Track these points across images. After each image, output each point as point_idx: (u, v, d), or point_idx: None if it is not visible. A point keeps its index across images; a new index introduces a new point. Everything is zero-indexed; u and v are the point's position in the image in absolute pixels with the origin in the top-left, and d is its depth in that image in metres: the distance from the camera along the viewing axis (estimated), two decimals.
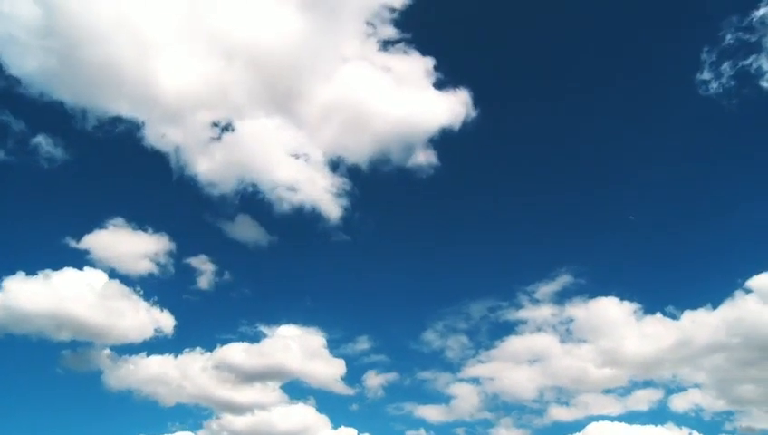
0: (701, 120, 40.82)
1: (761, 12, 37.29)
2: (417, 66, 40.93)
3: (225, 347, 39.93)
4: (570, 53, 42.72)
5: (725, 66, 38.37)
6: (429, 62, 40.91)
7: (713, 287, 39.60)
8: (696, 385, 40.45)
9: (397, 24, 40.35)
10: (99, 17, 34.69)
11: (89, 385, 38.57)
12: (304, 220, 41.08)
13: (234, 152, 40.02)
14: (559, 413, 40.78)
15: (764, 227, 39.18)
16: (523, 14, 42.54)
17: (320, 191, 40.98)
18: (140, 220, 39.18)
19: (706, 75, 38.71)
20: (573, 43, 42.43)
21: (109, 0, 35.06)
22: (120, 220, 38.84)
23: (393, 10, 39.82)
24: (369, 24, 40.20)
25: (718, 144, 41.32)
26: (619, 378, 40.93)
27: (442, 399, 41.47)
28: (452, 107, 41.10)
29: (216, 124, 39.38)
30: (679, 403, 40.04)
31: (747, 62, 38.08)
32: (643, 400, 40.49)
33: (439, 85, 41.15)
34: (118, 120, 37.66)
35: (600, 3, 41.91)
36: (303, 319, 41.45)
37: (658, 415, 39.46)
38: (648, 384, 40.50)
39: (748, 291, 38.20)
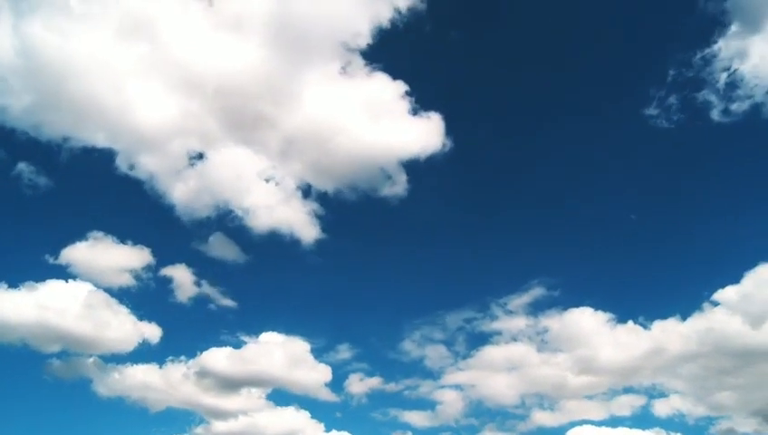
0: (659, 145, 42.93)
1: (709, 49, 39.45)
2: (388, 92, 41.82)
3: (210, 355, 40.57)
4: (536, 86, 44.76)
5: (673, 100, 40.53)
6: (401, 87, 41.74)
7: (681, 299, 40.92)
8: (676, 392, 41.50)
9: (367, 50, 41.02)
10: (74, 55, 36.36)
11: (77, 393, 39.42)
12: (279, 242, 42.00)
13: (207, 179, 41.23)
14: (542, 418, 41.71)
15: (728, 242, 41.35)
16: (490, 48, 44.59)
17: (293, 215, 42.08)
18: (120, 234, 40.04)
19: (654, 111, 40.92)
20: (538, 77, 44.49)
21: (83, 39, 36.57)
22: (99, 234, 39.62)
23: (363, 37, 40.52)
24: (338, 51, 40.86)
25: (686, 163, 43.23)
26: (597, 385, 41.89)
27: (427, 405, 42.33)
28: (423, 132, 42.13)
29: (189, 153, 40.63)
30: (661, 408, 41.01)
31: (695, 96, 40.44)
32: (625, 405, 41.37)
33: (410, 111, 41.99)
34: (94, 149, 39.10)
35: (563, 41, 43.64)
36: (286, 328, 42.14)
37: (642, 420, 40.44)
38: (628, 391, 41.48)
39: (716, 303, 39.53)
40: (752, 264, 38.46)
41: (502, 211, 46.15)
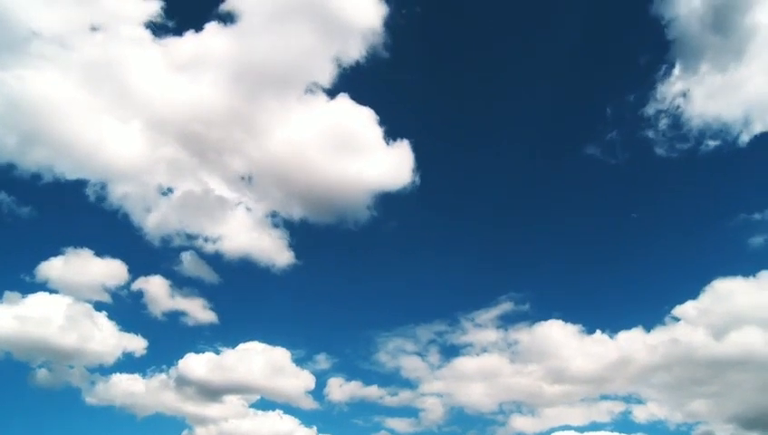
0: (614, 175, 45.76)
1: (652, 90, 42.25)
2: (354, 122, 43.12)
3: (192, 364, 41.39)
4: (495, 118, 47.27)
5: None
6: (368, 116, 43.00)
7: (644, 312, 42.55)
8: (652, 400, 42.36)
9: (332, 82, 42.46)
10: (54, 99, 38.36)
11: (65, 402, 40.26)
12: (252, 266, 43.35)
13: (177, 208, 42.59)
14: (522, 424, 42.62)
15: (685, 261, 43.94)
16: (451, 85, 46.98)
17: (264, 241, 43.64)
18: (96, 250, 41.09)
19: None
20: (497, 110, 47.17)
21: (56, 82, 38.47)
22: (75, 250, 40.70)
23: (327, 70, 42.06)
24: (302, 84, 42.23)
25: (640, 192, 45.97)
26: (573, 393, 42.86)
27: (409, 412, 43.38)
28: (391, 159, 43.52)
29: (159, 184, 42.10)
30: (641, 415, 41.79)
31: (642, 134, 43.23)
32: (604, 412, 42.27)
33: (378, 139, 43.29)
34: (68, 181, 40.49)
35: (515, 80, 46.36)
36: (266, 338, 42.99)
37: (623, 426, 41.40)
38: (605, 398, 42.43)
39: (676, 318, 41.03)
40: (708, 279, 40.29)
41: (469, 231, 48.09)
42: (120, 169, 40.79)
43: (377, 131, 42.95)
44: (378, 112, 42.75)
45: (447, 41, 46.46)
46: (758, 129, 40.30)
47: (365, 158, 43.35)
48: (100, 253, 40.87)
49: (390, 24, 42.28)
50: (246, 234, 43.42)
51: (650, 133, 42.79)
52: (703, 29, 40.74)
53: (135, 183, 41.59)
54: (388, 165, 43.46)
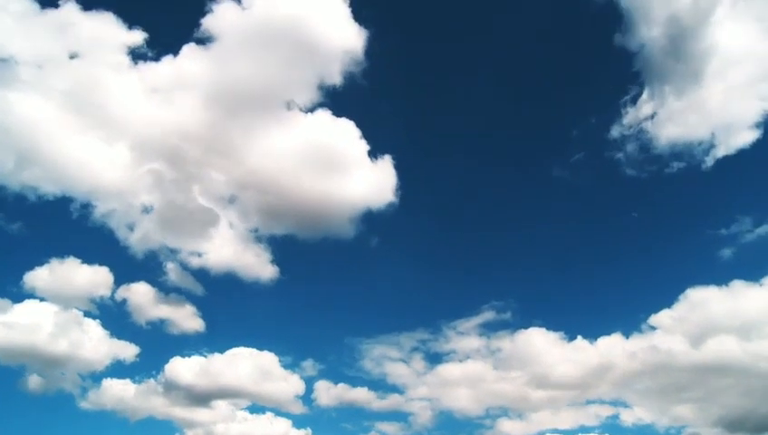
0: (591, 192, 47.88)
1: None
2: (340, 138, 43.85)
3: (181, 369, 42.07)
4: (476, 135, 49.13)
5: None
6: (350, 134, 43.74)
7: (622, 322, 43.41)
8: (637, 405, 42.84)
9: (319, 99, 43.29)
10: (38, 122, 39.45)
11: (58, 407, 41.06)
12: (236, 280, 44.12)
13: (159, 225, 43.09)
14: (510, 427, 43.34)
15: (659, 271, 45.05)
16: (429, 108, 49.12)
17: (247, 257, 44.51)
18: (84, 258, 41.79)
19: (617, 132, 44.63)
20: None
21: (42, 108, 39.61)
22: (64, 258, 41.39)
23: (308, 90, 42.94)
24: (282, 103, 42.97)
25: (610, 208, 47.91)
26: (560, 398, 43.49)
27: (398, 417, 43.96)
28: (372, 175, 44.43)
29: (142, 201, 42.57)
30: (628, 419, 42.30)
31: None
32: (592, 416, 42.80)
33: (360, 157, 44.14)
34: (54, 198, 41.29)
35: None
36: (254, 344, 43.72)
37: (612, 429, 42.20)
38: (591, 402, 43.04)
39: (653, 327, 41.83)
40: (682, 288, 41.24)
41: (450, 244, 49.78)
42: (104, 188, 41.65)
43: (359, 148, 43.89)
44: (360, 129, 43.78)
45: (425, 65, 48.66)
46: (721, 151, 41.98)
47: (348, 174, 44.24)
48: (87, 261, 41.70)
49: (370, 46, 43.35)
50: (230, 250, 44.28)
51: (619, 155, 44.99)
52: (665, 55, 42.58)
53: (118, 201, 42.37)
54: (372, 181, 44.43)
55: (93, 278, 41.18)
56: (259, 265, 44.54)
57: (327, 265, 48.18)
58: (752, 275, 39.90)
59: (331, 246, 45.86)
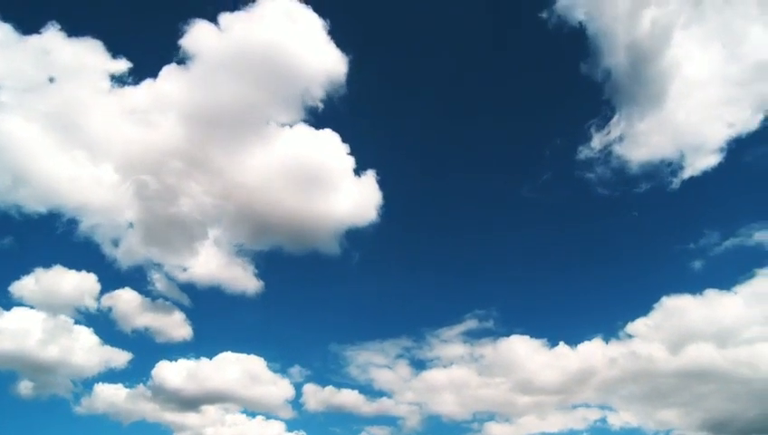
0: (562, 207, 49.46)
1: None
2: (322, 155, 44.58)
3: (171, 374, 42.63)
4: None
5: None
6: (337, 149, 44.51)
7: (601, 328, 44.17)
8: (622, 409, 43.37)
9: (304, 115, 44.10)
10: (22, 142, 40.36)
11: (53, 412, 41.90)
12: (222, 294, 45.01)
13: (142, 243, 43.75)
14: (498, 431, 44.06)
15: (635, 281, 46.81)
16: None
17: (232, 271, 45.21)
18: (71, 265, 42.56)
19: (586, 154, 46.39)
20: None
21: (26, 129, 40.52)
22: (52, 267, 42.09)
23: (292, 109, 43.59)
24: (264, 121, 43.70)
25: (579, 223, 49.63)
26: (546, 403, 44.17)
27: (387, 421, 44.68)
28: (356, 190, 45.31)
29: (125, 219, 43.18)
30: (615, 423, 42.84)
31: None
32: (579, 419, 43.47)
33: (345, 172, 44.93)
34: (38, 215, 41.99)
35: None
36: (242, 350, 44.59)
37: (600, 433, 42.82)
38: (576, 407, 43.68)
39: (630, 335, 42.73)
40: (658, 296, 42.31)
41: (432, 256, 51.39)
42: (90, 206, 42.40)
43: (343, 164, 44.75)
44: (344, 145, 44.77)
45: (402, 89, 51.29)
46: (688, 172, 43.68)
47: (332, 190, 44.85)
48: (75, 268, 42.39)
49: (349, 67, 44.20)
50: (215, 265, 45.03)
51: (590, 175, 46.59)
52: (629, 80, 44.19)
53: (104, 218, 42.97)
54: (356, 196, 45.36)
55: (81, 286, 41.89)
56: (244, 279, 45.35)
57: (311, 278, 49.37)
58: (723, 284, 41.35)
59: (315, 261, 46.94)
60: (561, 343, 43.47)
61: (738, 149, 42.61)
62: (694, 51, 43.02)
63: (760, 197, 43.94)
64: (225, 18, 42.01)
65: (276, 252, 46.23)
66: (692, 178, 43.37)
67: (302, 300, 49.45)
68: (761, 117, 41.90)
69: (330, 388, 45.12)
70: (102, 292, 42.66)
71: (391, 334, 47.55)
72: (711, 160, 42.99)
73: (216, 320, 47.19)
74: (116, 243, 43.35)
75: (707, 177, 43.12)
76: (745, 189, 44.55)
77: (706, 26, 43.20)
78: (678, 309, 41.12)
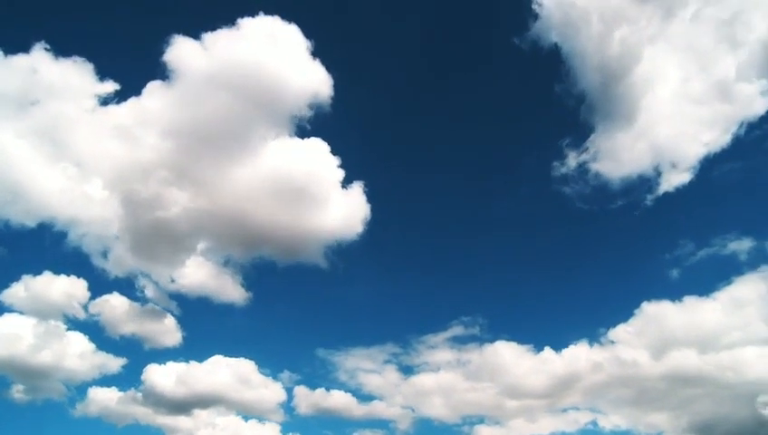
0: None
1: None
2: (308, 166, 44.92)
3: (164, 378, 43.06)
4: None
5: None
6: (325, 162, 45.02)
7: (585, 334, 45.01)
8: (611, 413, 43.92)
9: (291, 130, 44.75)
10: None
11: (49, 416, 42.72)
12: (210, 304, 46.00)
13: (133, 255, 44.45)
14: (492, 433, 44.55)
15: (617, 290, 48.11)
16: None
17: (219, 282, 46.17)
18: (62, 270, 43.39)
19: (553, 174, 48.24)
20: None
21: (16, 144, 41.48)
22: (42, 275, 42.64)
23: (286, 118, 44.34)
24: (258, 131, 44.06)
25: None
26: (535, 407, 44.75)
27: (380, 424, 45.33)
28: (348, 202, 46.07)
29: (113, 231, 43.80)
30: (605, 425, 43.45)
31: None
32: (570, 422, 44.14)
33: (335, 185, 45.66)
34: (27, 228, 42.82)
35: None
36: (234, 354, 45.12)
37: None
38: (566, 410, 44.30)
39: (613, 341, 43.68)
40: (638, 302, 43.39)
41: (419, 265, 52.84)
42: (78, 218, 43.18)
43: (330, 178, 45.40)
44: (331, 158, 45.41)
45: (384, 107, 52.54)
46: (663, 188, 45.00)
47: (320, 203, 45.34)
48: (65, 273, 43.14)
49: (333, 85, 44.79)
50: (202, 276, 45.95)
51: (567, 189, 48.00)
52: (603, 99, 45.63)
53: (92, 230, 43.67)
54: (343, 209, 46.17)
55: (71, 292, 42.40)
56: (231, 290, 46.30)
57: (298, 288, 50.63)
58: (702, 291, 42.74)
59: (302, 271, 48.26)
60: (547, 348, 44.21)
61: (709, 164, 44.31)
62: (664, 69, 44.79)
63: (732, 209, 46.13)
64: (209, 36, 42.68)
65: (264, 263, 47.19)
66: (666, 194, 44.89)
67: (289, 309, 50.50)
68: (731, 134, 43.55)
69: (321, 391, 45.85)
70: (93, 297, 43.35)
71: (377, 341, 48.61)
72: (684, 177, 44.51)
73: (206, 326, 48.04)
74: (105, 254, 44.17)
75: (681, 192, 44.63)
76: (719, 202, 46.71)
77: (676, 44, 44.87)
78: (658, 315, 42.09)
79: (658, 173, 45.07)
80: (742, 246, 43.20)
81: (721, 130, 43.47)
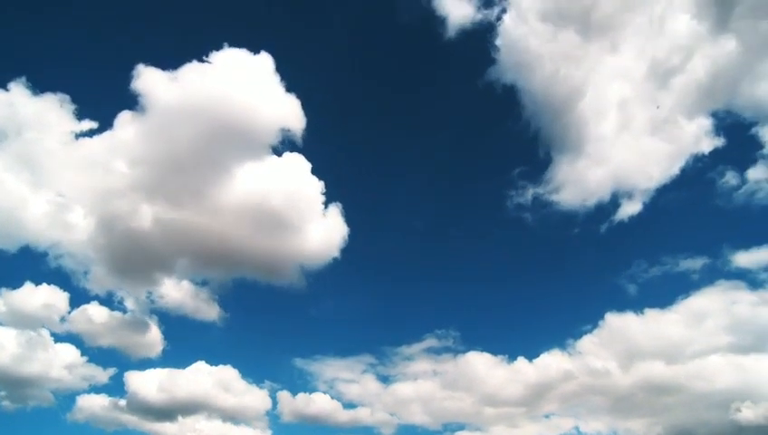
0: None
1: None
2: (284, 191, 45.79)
3: (149, 386, 43.92)
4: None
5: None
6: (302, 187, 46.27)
7: (554, 344, 46.52)
8: (590, 419, 44.76)
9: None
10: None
11: (40, 423, 43.66)
12: (188, 321, 47.15)
13: (112, 274, 45.71)
14: None
15: (583, 303, 49.98)
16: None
17: (195, 301, 47.25)
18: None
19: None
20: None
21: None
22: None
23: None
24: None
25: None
26: (514, 414, 45.59)
27: (364, 432, 46.23)
28: (325, 226, 47.28)
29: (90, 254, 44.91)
30: (585, 430, 44.32)
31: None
32: (554, 427, 44.89)
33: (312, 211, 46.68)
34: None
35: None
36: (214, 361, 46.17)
37: None
38: (549, 416, 45.13)
39: (580, 351, 45.03)
40: (602, 315, 45.40)
41: (392, 282, 54.49)
42: (57, 241, 44.52)
43: (309, 199, 46.60)
44: (308, 180, 46.62)
45: (357, 134, 55.64)
46: (617, 216, 47.89)
47: (296, 224, 46.46)
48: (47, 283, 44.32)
49: (305, 114, 46.17)
50: (179, 297, 47.07)
51: (527, 215, 50.98)
52: (556, 133, 49.33)
53: (72, 252, 44.98)
54: (320, 229, 47.34)
55: (52, 303, 43.37)
56: (208, 310, 47.28)
57: (274, 306, 51.83)
58: (661, 304, 45.16)
59: (277, 290, 49.51)
60: (521, 358, 45.22)
61: (658, 194, 47.60)
62: (607, 105, 47.88)
63: (683, 232, 49.50)
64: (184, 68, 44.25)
65: (239, 283, 48.59)
66: (620, 221, 47.82)
67: (265, 324, 52.32)
68: (679, 165, 46.78)
69: (304, 398, 46.56)
70: (73, 308, 44.35)
71: (352, 352, 50.21)
72: (636, 205, 47.56)
73: (187, 335, 48.73)
74: (85, 274, 45.43)
75: (633, 219, 47.66)
76: (670, 226, 49.73)
77: (620, 81, 47.77)
78: (622, 327, 43.68)
79: (612, 202, 48.33)
80: (695, 264, 46.27)
81: (671, 161, 46.77)
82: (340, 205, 47.82)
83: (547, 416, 45.03)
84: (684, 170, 46.88)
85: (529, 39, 47.34)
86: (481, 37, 49.70)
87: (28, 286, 43.37)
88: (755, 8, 43.44)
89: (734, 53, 44.19)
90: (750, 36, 43.69)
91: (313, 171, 46.56)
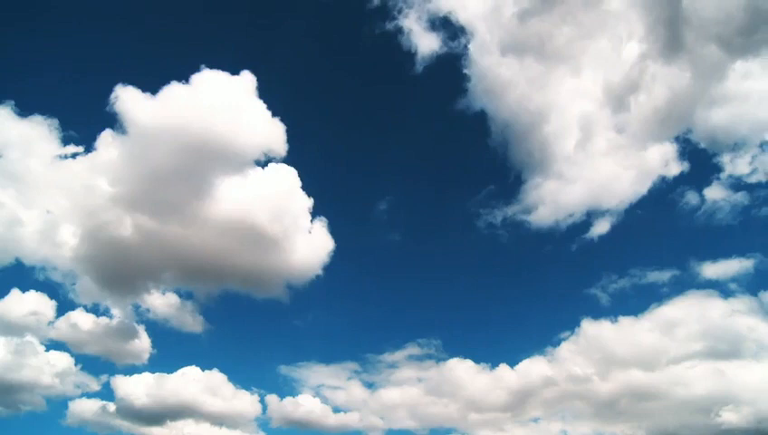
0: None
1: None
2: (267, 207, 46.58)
3: (135, 391, 44.99)
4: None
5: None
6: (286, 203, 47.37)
7: (534, 351, 47.67)
8: (576, 423, 45.39)
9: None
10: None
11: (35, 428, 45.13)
12: (174, 332, 48.36)
13: (98, 290, 46.56)
14: None
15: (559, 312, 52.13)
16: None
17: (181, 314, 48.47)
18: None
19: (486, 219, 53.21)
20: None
21: None
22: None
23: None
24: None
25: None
26: (501, 419, 46.21)
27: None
28: (311, 240, 48.70)
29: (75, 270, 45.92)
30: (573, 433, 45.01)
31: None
32: (544, 431, 45.45)
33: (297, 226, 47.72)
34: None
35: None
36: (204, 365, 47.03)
37: None
38: (536, 420, 45.87)
39: (559, 358, 46.12)
40: (578, 322, 46.93)
41: (378, 290, 55.95)
42: (46, 257, 45.62)
43: (294, 214, 47.84)
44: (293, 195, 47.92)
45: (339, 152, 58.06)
46: (588, 234, 50.17)
47: (281, 238, 47.42)
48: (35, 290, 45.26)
49: (288, 135, 47.44)
50: (164, 309, 48.29)
51: (502, 232, 53.25)
52: (528, 155, 51.87)
53: (59, 266, 46.15)
54: (307, 246, 48.76)
55: (41, 310, 44.32)
56: (192, 323, 48.61)
57: (258, 318, 53.17)
58: (634, 312, 46.75)
59: (262, 304, 51.03)
60: (502, 365, 46.22)
61: (627, 211, 49.87)
62: (571, 128, 49.67)
63: (650, 248, 52.19)
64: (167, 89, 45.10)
65: (224, 297, 49.76)
66: (590, 241, 50.35)
67: (249, 334, 53.53)
68: (648, 184, 49.11)
69: (293, 404, 47.39)
70: (59, 315, 45.23)
71: (336, 360, 51.26)
72: (604, 226, 49.79)
73: (174, 341, 49.74)
74: (71, 287, 46.53)
75: (603, 238, 50.05)
76: (637, 243, 52.77)
77: (584, 104, 49.49)
78: (598, 334, 44.67)
79: (583, 222, 50.66)
80: (663, 276, 48.36)
81: (639, 180, 49.08)
82: (324, 220, 49.38)
83: (535, 420, 45.83)
84: (650, 191, 49.19)
85: (494, 68, 50.88)
86: (451, 66, 53.78)
87: (15, 292, 44.16)
88: (703, 34, 45.34)
89: (686, 78, 46.15)
90: (701, 62, 45.68)
91: (304, 187, 47.99)
